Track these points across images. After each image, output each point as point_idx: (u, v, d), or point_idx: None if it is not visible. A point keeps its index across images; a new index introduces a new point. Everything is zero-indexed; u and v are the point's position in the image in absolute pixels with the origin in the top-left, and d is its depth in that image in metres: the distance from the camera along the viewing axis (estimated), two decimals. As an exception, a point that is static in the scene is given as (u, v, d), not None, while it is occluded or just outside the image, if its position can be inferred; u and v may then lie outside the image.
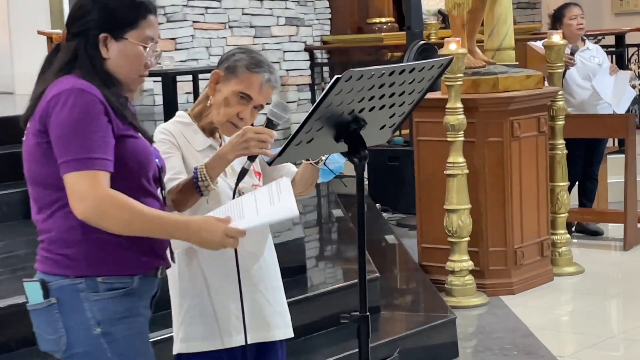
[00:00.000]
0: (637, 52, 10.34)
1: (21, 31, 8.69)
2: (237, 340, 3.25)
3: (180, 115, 3.32)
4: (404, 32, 9.04)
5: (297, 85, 10.29)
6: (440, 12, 10.76)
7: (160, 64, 8.18)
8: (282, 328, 3.37)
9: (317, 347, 4.87)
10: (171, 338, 3.34)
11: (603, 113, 7.78)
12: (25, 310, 2.83)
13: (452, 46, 6.03)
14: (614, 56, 9.52)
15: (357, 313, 2.82)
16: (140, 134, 2.80)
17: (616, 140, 8.88)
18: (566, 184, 7.01)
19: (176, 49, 9.18)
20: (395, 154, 8.56)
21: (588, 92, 7.75)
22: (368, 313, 2.82)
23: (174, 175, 3.11)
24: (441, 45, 6.42)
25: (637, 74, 9.66)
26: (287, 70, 10.19)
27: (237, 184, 3.12)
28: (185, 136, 3.24)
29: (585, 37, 7.99)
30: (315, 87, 10.35)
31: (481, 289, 6.27)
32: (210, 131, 3.30)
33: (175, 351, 3.30)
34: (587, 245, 7.64)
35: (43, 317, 2.75)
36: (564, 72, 7.40)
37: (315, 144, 2.79)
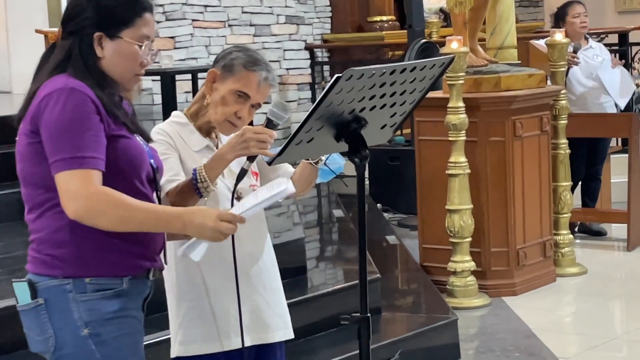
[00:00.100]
0: (640, 51, 10.34)
1: (19, 30, 8.69)
2: (236, 343, 3.25)
3: (176, 116, 3.31)
4: (405, 31, 9.05)
5: (298, 84, 10.29)
6: (441, 10, 10.74)
7: (159, 62, 8.20)
8: (281, 329, 3.37)
9: (318, 349, 4.88)
10: (167, 341, 3.33)
11: (606, 112, 7.78)
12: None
13: (454, 45, 6.03)
14: (617, 55, 9.50)
15: (358, 314, 2.82)
16: (134, 134, 2.79)
17: (619, 139, 8.87)
18: (569, 183, 7.01)
19: (175, 48, 9.18)
20: (397, 153, 8.56)
21: (591, 91, 7.75)
22: (369, 314, 2.82)
23: (172, 177, 3.11)
24: (443, 44, 6.42)
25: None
26: (287, 69, 10.19)
27: (236, 185, 3.12)
28: (181, 136, 3.24)
29: (588, 36, 7.99)
30: (316, 86, 10.35)
31: (483, 289, 6.27)
32: (206, 131, 3.29)
33: (173, 354, 3.30)
34: (590, 246, 7.64)
35: (31, 318, 2.75)
36: (567, 71, 7.41)
37: (315, 144, 2.79)
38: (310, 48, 10.43)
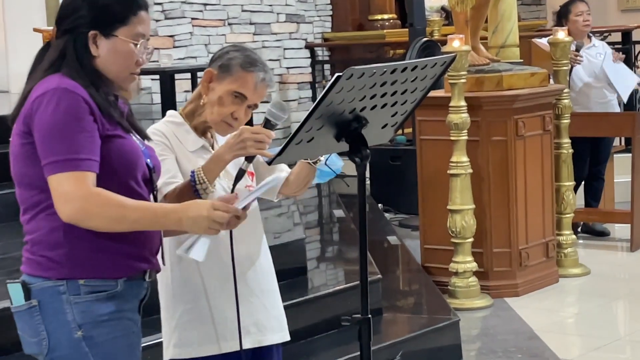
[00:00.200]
0: (644, 49, 10.34)
1: (16, 29, 8.69)
2: (233, 345, 3.25)
3: (172, 115, 3.31)
4: (407, 29, 9.04)
5: (298, 83, 10.29)
6: (443, 8, 10.75)
7: (158, 61, 8.20)
8: (278, 332, 3.37)
9: (318, 350, 4.88)
10: (161, 343, 3.32)
11: (609, 111, 7.79)
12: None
13: (456, 43, 6.04)
14: (620, 53, 9.50)
15: (359, 315, 2.82)
16: (130, 134, 2.78)
17: (623, 139, 8.87)
18: (572, 183, 7.01)
19: (174, 47, 9.18)
20: (398, 153, 8.56)
21: (594, 90, 7.75)
22: (370, 315, 2.82)
23: (169, 180, 3.10)
24: (444, 43, 6.42)
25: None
26: (287, 68, 10.19)
27: (234, 186, 3.11)
28: (177, 137, 3.24)
29: (591, 34, 7.99)
30: (316, 85, 10.35)
31: (485, 290, 6.27)
32: (202, 131, 3.29)
33: (167, 357, 3.29)
34: (593, 246, 7.64)
35: (25, 320, 2.75)
36: (570, 70, 7.41)
37: (316, 143, 2.79)
38: (310, 47, 10.43)
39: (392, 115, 2.90)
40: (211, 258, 3.11)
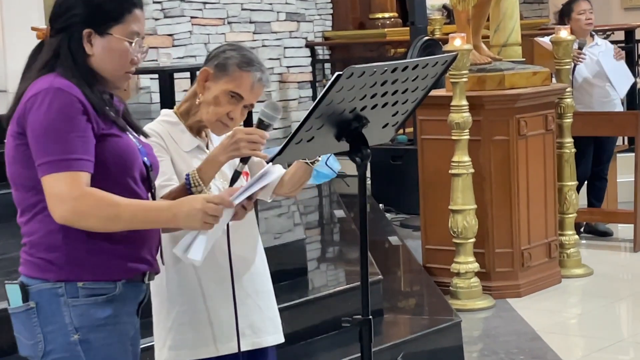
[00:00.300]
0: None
1: (14, 27, 8.69)
2: (229, 348, 3.24)
3: (167, 114, 3.30)
4: (408, 28, 9.04)
5: (298, 82, 10.29)
6: (444, 7, 10.76)
7: (156, 60, 8.19)
8: (273, 333, 3.37)
9: (318, 352, 4.88)
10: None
11: (612, 110, 7.78)
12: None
13: (457, 42, 6.03)
14: (623, 52, 9.50)
15: (359, 316, 2.81)
16: (126, 132, 2.78)
17: (626, 138, 8.87)
18: (574, 183, 7.01)
19: (174, 46, 9.17)
20: (399, 152, 8.56)
21: (597, 89, 7.75)
22: (370, 316, 2.81)
23: (165, 182, 3.09)
24: (446, 41, 6.42)
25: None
26: (287, 67, 10.19)
27: (230, 187, 3.11)
28: (172, 137, 3.23)
29: (594, 33, 7.99)
30: (317, 84, 10.35)
31: (487, 291, 6.27)
32: (197, 130, 3.29)
33: (160, 359, 3.28)
34: (596, 247, 7.64)
35: (22, 321, 2.74)
36: (573, 69, 7.41)
37: (316, 143, 2.78)
38: (311, 45, 10.43)
39: (393, 115, 2.90)
40: (207, 259, 3.11)
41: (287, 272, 5.23)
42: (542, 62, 7.19)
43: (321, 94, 2.64)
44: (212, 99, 3.22)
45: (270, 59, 9.96)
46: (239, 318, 3.23)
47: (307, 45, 10.40)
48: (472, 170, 6.16)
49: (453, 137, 6.13)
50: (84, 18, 2.74)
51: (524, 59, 6.83)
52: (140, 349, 2.93)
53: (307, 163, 3.29)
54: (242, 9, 9.82)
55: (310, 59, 10.43)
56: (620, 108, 8.04)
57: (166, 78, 7.66)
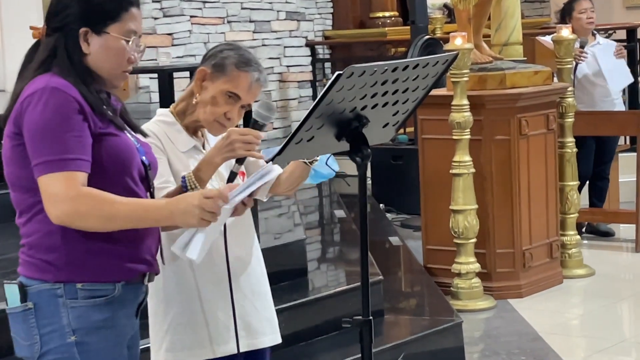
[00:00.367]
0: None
1: (12, 27, 8.69)
2: (226, 349, 3.25)
3: (163, 114, 3.29)
4: (408, 27, 9.05)
5: (298, 81, 10.29)
6: (445, 5, 10.76)
7: (156, 59, 8.19)
8: (269, 334, 3.37)
9: (318, 352, 4.88)
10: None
11: (614, 110, 7.78)
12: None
13: (458, 41, 6.03)
14: (624, 51, 9.49)
15: (360, 317, 2.81)
16: (123, 131, 2.77)
17: (627, 138, 8.87)
18: (576, 183, 7.01)
19: (173, 45, 9.17)
20: (400, 152, 8.56)
21: (599, 88, 7.74)
22: (371, 317, 2.81)
23: (162, 184, 3.08)
24: (446, 40, 6.42)
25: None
26: (287, 66, 10.19)
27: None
28: (169, 137, 3.23)
29: (595, 32, 7.99)
30: (317, 84, 10.35)
31: (488, 292, 6.27)
32: (193, 130, 3.29)
33: None
34: (597, 247, 7.64)
35: (19, 322, 2.74)
36: (575, 68, 7.41)
37: (316, 143, 2.78)
38: (311, 45, 10.43)
39: (394, 114, 2.90)
40: (204, 260, 3.11)
41: (287, 272, 5.23)
42: (544, 61, 7.19)
43: (321, 94, 2.64)
44: (210, 98, 3.22)
45: (270, 58, 9.96)
46: (236, 319, 3.23)
47: (307, 45, 10.40)
48: (473, 170, 6.16)
49: (454, 137, 6.13)
50: (80, 17, 2.74)
51: (525, 58, 6.83)
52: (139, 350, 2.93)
53: (305, 162, 3.29)
54: (242, 8, 9.81)
55: (310, 58, 10.43)
56: (622, 107, 8.03)
57: (165, 77, 7.65)
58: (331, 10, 10.71)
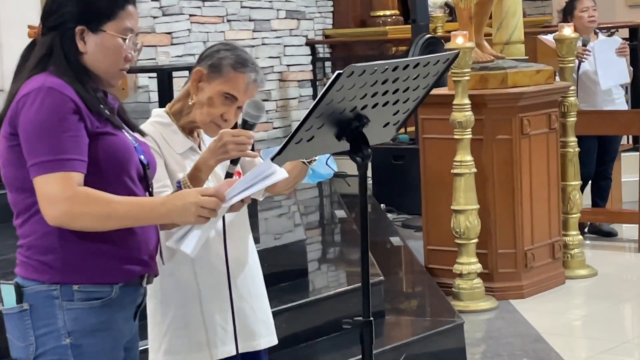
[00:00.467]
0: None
1: (10, 25, 8.69)
2: (224, 352, 3.25)
3: (159, 115, 3.29)
4: (409, 26, 9.05)
5: (298, 81, 10.29)
6: (446, 4, 10.76)
7: (155, 58, 8.19)
8: (266, 336, 3.37)
9: (319, 354, 4.88)
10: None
11: (617, 109, 7.78)
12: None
13: (459, 40, 6.03)
14: (627, 50, 9.48)
15: (361, 318, 2.81)
16: (121, 130, 2.76)
17: (630, 137, 8.87)
18: (578, 183, 7.01)
19: (172, 44, 9.17)
20: (400, 152, 8.56)
21: (602, 88, 7.73)
22: (372, 318, 2.81)
23: (160, 189, 3.07)
24: (448, 39, 6.42)
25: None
26: (287, 65, 10.19)
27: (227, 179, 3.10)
28: (165, 138, 3.22)
29: (597, 30, 7.99)
30: (317, 83, 10.34)
31: (490, 292, 6.27)
32: (189, 130, 3.28)
33: None
34: (600, 247, 7.64)
35: (15, 323, 2.74)
36: (578, 67, 7.41)
37: (316, 142, 2.78)
38: (311, 44, 10.43)
39: (394, 114, 2.90)
40: (203, 262, 3.12)
41: (288, 273, 5.24)
42: (546, 60, 7.18)
43: (321, 93, 2.64)
44: (206, 100, 3.21)
45: (270, 57, 9.96)
46: (232, 322, 3.24)
47: (307, 44, 10.40)
48: (474, 170, 6.16)
49: (455, 136, 6.13)
50: (76, 15, 2.73)
51: (527, 57, 6.83)
52: (139, 350, 2.93)
53: (303, 162, 3.29)
54: (242, 7, 9.81)
55: (310, 57, 10.42)
56: (624, 106, 8.03)
57: (165, 77, 7.65)
58: (331, 9, 10.71)
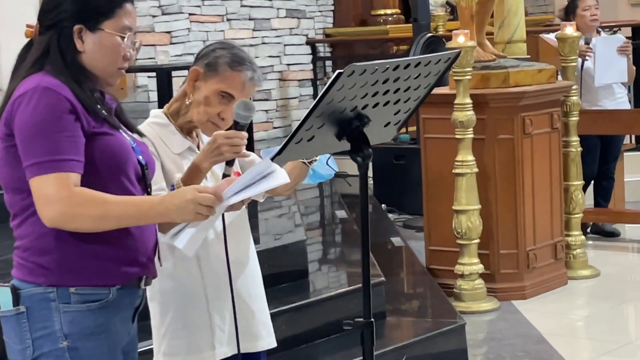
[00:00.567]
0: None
1: (9, 24, 8.69)
2: (222, 352, 3.24)
3: (156, 116, 3.29)
4: (410, 24, 9.05)
5: (299, 80, 10.29)
6: (448, 3, 10.76)
7: (154, 58, 8.19)
8: (265, 338, 3.37)
9: (320, 355, 4.87)
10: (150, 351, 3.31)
11: (619, 108, 7.77)
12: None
13: (461, 39, 6.03)
14: (629, 49, 9.48)
15: (361, 319, 2.81)
16: (118, 130, 2.76)
17: (633, 136, 8.86)
18: (581, 182, 7.01)
19: (171, 43, 9.18)
20: (402, 152, 8.56)
21: (605, 86, 7.73)
22: (372, 319, 2.81)
23: (157, 192, 3.07)
24: (449, 38, 6.42)
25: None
26: (287, 64, 10.19)
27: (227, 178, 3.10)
28: (162, 139, 3.22)
29: (600, 29, 7.98)
30: (318, 82, 10.35)
31: (492, 293, 6.26)
32: (187, 130, 3.28)
33: None
34: (603, 247, 7.64)
35: (11, 326, 2.73)
36: (582, 65, 7.41)
37: (316, 142, 2.78)
38: (311, 43, 10.43)
39: (395, 113, 2.89)
40: (203, 264, 3.12)
41: (288, 274, 5.23)
42: (548, 59, 7.18)
43: (322, 93, 2.64)
44: (203, 99, 3.21)
45: (270, 56, 9.96)
46: (232, 322, 3.24)
47: (307, 43, 10.40)
48: (476, 170, 6.16)
49: (457, 136, 6.13)
50: (74, 14, 2.73)
51: (529, 56, 6.83)
52: (137, 353, 2.93)
53: (303, 162, 3.29)
54: (242, 6, 9.82)
55: (310, 56, 10.43)
56: (627, 106, 8.03)
57: (164, 76, 7.65)
58: (332, 8, 10.72)
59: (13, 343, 2.74)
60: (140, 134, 2.91)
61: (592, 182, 7.78)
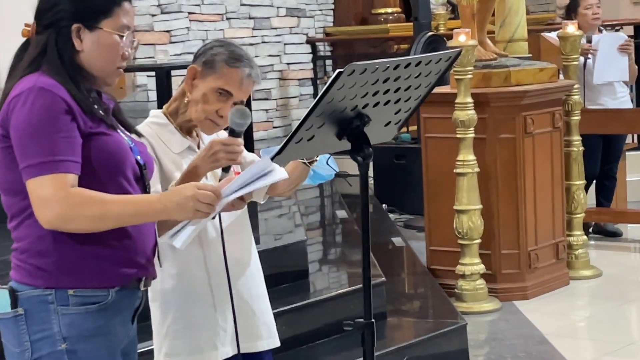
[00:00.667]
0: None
1: (7, 24, 8.69)
2: (223, 353, 3.24)
3: (155, 115, 3.29)
4: (411, 23, 9.05)
5: (299, 79, 10.29)
6: (449, 1, 10.76)
7: (153, 57, 8.19)
8: (267, 338, 3.37)
9: (320, 356, 4.88)
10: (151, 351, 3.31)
11: (621, 107, 7.77)
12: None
13: (462, 38, 6.03)
14: (631, 47, 9.47)
15: (362, 320, 2.81)
16: (116, 130, 2.75)
17: (635, 136, 8.86)
18: (582, 182, 7.01)
19: (171, 42, 9.18)
20: (402, 151, 8.56)
21: (607, 85, 7.73)
22: (373, 320, 2.81)
23: (155, 193, 3.08)
24: (450, 37, 6.42)
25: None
26: (287, 63, 10.19)
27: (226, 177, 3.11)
28: (162, 139, 3.22)
29: (602, 28, 7.98)
30: (318, 82, 10.35)
31: (493, 293, 6.27)
32: (187, 130, 3.28)
33: None
34: (605, 247, 7.64)
35: (9, 328, 2.72)
36: (584, 64, 7.41)
37: (316, 142, 2.78)
38: (311, 42, 10.43)
39: (396, 113, 2.90)
40: (203, 264, 3.11)
41: (288, 274, 5.24)
42: (549, 58, 7.18)
43: (322, 92, 2.64)
44: (201, 96, 3.21)
45: (270, 55, 9.96)
46: (233, 323, 3.24)
47: (307, 42, 10.41)
48: (477, 170, 6.16)
49: (458, 136, 6.13)
50: (72, 13, 2.72)
51: (530, 55, 6.83)
52: (137, 354, 2.93)
53: (304, 163, 3.29)
54: (241, 5, 9.82)
55: (311, 55, 10.43)
56: (629, 105, 8.03)
57: (163, 76, 7.65)
58: (332, 7, 10.72)
59: (11, 346, 2.73)
60: (139, 134, 2.91)
61: (594, 181, 7.78)
